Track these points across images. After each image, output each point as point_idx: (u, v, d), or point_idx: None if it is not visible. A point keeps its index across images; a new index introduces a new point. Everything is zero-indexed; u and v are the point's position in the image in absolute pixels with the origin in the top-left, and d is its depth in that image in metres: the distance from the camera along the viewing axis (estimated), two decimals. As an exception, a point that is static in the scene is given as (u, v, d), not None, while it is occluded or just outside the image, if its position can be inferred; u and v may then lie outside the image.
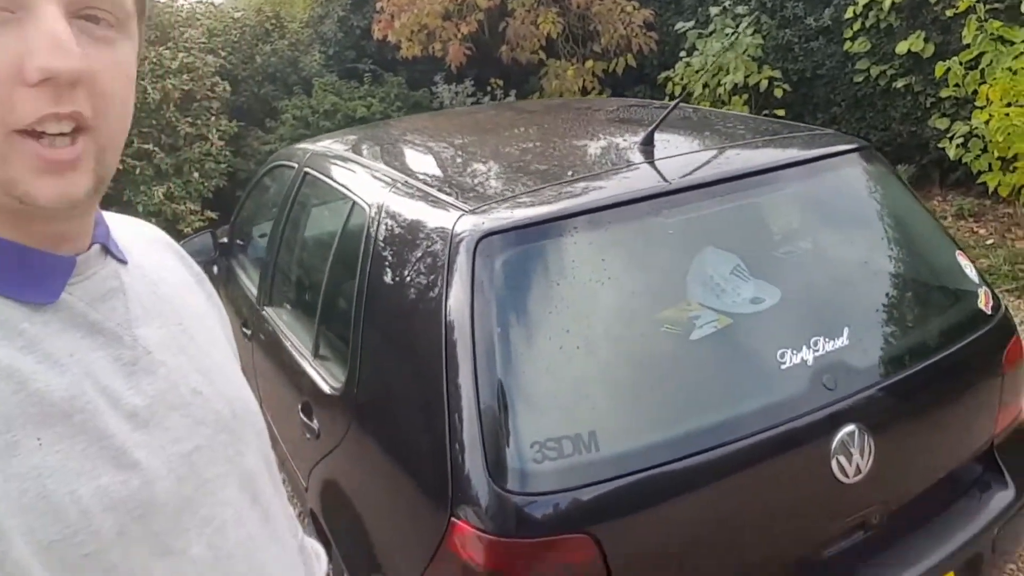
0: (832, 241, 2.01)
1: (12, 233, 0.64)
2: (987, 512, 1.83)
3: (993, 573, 1.92)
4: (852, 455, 1.60)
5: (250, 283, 3.09)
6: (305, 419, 2.25)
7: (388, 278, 1.90)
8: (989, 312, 1.90)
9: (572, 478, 1.45)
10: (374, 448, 1.86)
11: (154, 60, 5.82)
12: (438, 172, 2.18)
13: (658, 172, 1.92)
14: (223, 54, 6.58)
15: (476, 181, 2.03)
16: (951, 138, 4.43)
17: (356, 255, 2.04)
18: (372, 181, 2.16)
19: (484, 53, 6.18)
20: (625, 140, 2.24)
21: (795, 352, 1.63)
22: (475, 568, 1.47)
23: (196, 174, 6.57)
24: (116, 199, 6.38)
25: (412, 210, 1.88)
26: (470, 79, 6.56)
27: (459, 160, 2.28)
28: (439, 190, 1.91)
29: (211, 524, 0.72)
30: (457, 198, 1.84)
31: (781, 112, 5.56)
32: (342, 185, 2.31)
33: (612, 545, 1.46)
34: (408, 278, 1.80)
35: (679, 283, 1.79)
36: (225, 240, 3.53)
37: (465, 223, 1.68)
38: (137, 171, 6.35)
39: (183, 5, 6.63)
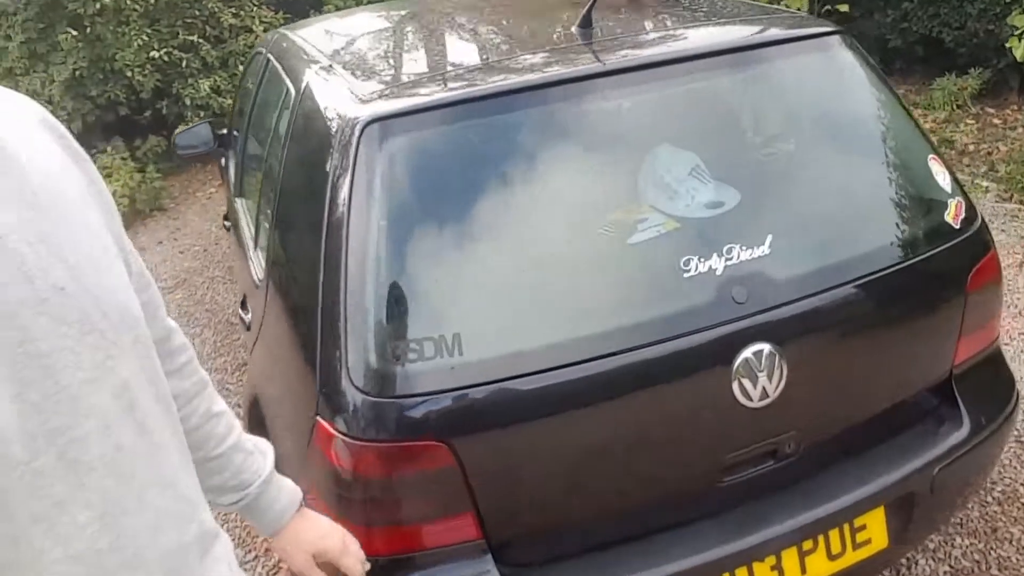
0: (792, 138, 1.79)
1: None
2: (929, 450, 1.66)
3: (937, 517, 1.76)
4: (757, 377, 1.45)
5: (232, 175, 3.06)
6: (241, 312, 2.22)
7: (297, 165, 1.81)
8: (957, 226, 1.67)
9: (429, 382, 1.36)
10: (274, 340, 1.81)
11: (192, -52, 5.74)
12: (365, 57, 2.04)
13: (594, 54, 1.74)
14: (264, -58, 6.43)
15: (394, 66, 1.89)
16: (1021, 36, 3.92)
17: (282, 142, 1.96)
18: (304, 66, 2.04)
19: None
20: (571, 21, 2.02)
21: (702, 261, 1.47)
22: (335, 468, 1.42)
23: (241, 67, 6.53)
24: (166, 91, 6.45)
25: (323, 95, 1.77)
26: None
27: (392, 44, 2.12)
28: (353, 74, 1.78)
29: (65, 435, 0.67)
30: (365, 82, 1.71)
31: (844, 8, 5.09)
32: (284, 70, 2.20)
33: (471, 457, 1.37)
34: (310, 165, 1.70)
35: (628, 183, 1.63)
36: (224, 132, 3.49)
37: (358, 109, 1.56)
38: (184, 63, 6.37)
39: None
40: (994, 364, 1.83)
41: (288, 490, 1.16)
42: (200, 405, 1.02)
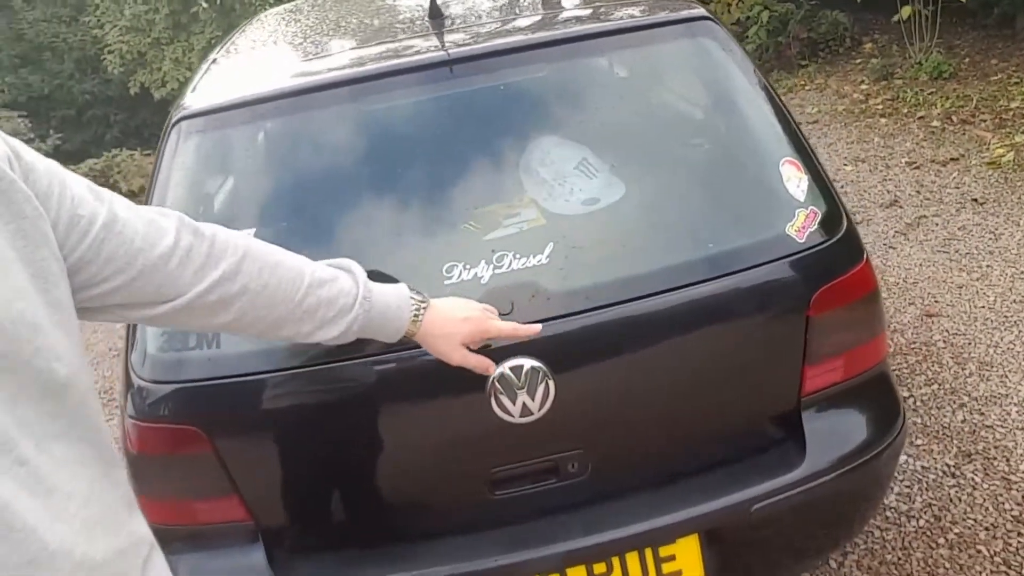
0: (632, 134, 1.67)
1: None
2: (750, 486, 1.52)
3: (764, 558, 1.61)
4: (516, 394, 1.39)
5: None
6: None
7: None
8: (801, 239, 1.50)
9: (190, 371, 1.43)
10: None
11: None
12: (245, 47, 2.10)
13: (440, 42, 1.70)
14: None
15: (258, 58, 1.94)
16: None
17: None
18: (212, 58, 2.13)
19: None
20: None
21: (468, 267, 1.42)
22: (124, 444, 1.53)
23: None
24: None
25: (186, 87, 1.85)
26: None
27: (276, 36, 2.16)
28: (219, 65, 1.86)
29: None
30: (210, 77, 1.78)
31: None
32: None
33: (226, 444, 1.43)
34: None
35: (506, 178, 1.62)
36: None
37: (183, 103, 1.63)
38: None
39: None
40: (867, 396, 1.63)
41: (393, 293, 1.16)
42: (249, 276, 1.00)
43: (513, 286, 1.42)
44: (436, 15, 1.76)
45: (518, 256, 1.43)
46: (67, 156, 6.67)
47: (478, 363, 1.27)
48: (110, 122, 7.31)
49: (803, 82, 6.82)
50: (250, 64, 1.91)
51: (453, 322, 1.21)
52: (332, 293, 1.06)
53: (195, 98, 1.64)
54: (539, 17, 1.83)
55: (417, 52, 1.72)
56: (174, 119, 1.58)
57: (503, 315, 1.40)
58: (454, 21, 1.79)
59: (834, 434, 1.57)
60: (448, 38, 1.73)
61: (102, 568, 0.77)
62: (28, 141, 6.32)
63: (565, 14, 1.85)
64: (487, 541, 1.50)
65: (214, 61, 1.93)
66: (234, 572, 1.52)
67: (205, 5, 6.58)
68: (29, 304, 0.72)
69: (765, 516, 1.51)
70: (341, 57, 1.79)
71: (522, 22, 1.80)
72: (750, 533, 1.54)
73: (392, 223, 1.56)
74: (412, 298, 1.18)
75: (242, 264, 0.99)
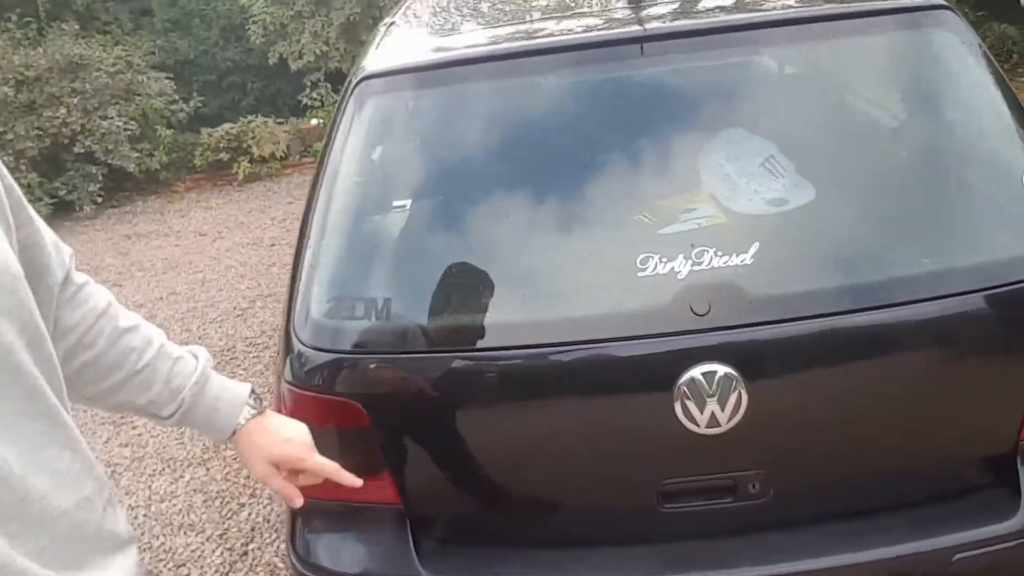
0: (862, 130, 1.53)
1: None
2: (955, 531, 1.35)
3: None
4: (705, 402, 1.27)
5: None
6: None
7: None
8: (1044, 264, 1.31)
9: (358, 342, 1.37)
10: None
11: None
12: (425, 19, 2.02)
13: (636, 19, 1.59)
14: None
15: (439, 26, 1.86)
16: None
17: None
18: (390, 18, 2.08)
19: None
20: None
21: (664, 261, 1.30)
22: (277, 407, 1.49)
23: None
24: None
25: (366, 49, 1.80)
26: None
27: (459, 8, 2.08)
28: (401, 30, 1.80)
29: None
30: (392, 39, 1.72)
31: None
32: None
33: (385, 422, 1.37)
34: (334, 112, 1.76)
35: (686, 169, 1.52)
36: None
37: (364, 64, 1.58)
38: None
39: None
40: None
41: (232, 389, 1.06)
42: (105, 326, 0.98)
43: (712, 285, 1.29)
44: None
45: (720, 254, 1.30)
46: (205, 119, 6.90)
47: (281, 487, 1.08)
48: (247, 90, 7.51)
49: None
50: (429, 29, 1.84)
51: (275, 437, 1.07)
52: (173, 369, 1.01)
53: (377, 60, 1.58)
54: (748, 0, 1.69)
55: (608, 27, 1.61)
56: (356, 80, 1.52)
57: (699, 315, 1.27)
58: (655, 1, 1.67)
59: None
60: (645, 15, 1.61)
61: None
62: (172, 102, 6.56)
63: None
64: (649, 556, 1.39)
65: (392, 24, 1.87)
66: (379, 554, 1.45)
67: (353, -19, 6.66)
68: (9, 255, 0.75)
69: (969, 568, 1.34)
70: (524, 27, 1.70)
71: (728, 4, 1.66)
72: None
73: (567, 205, 1.46)
74: (250, 400, 1.07)
75: (105, 314, 0.98)
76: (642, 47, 1.51)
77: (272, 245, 4.90)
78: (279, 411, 1.46)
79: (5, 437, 0.71)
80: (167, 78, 6.60)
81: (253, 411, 1.07)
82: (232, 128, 6.37)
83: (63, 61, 5.91)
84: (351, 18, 6.88)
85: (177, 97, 6.59)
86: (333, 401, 1.38)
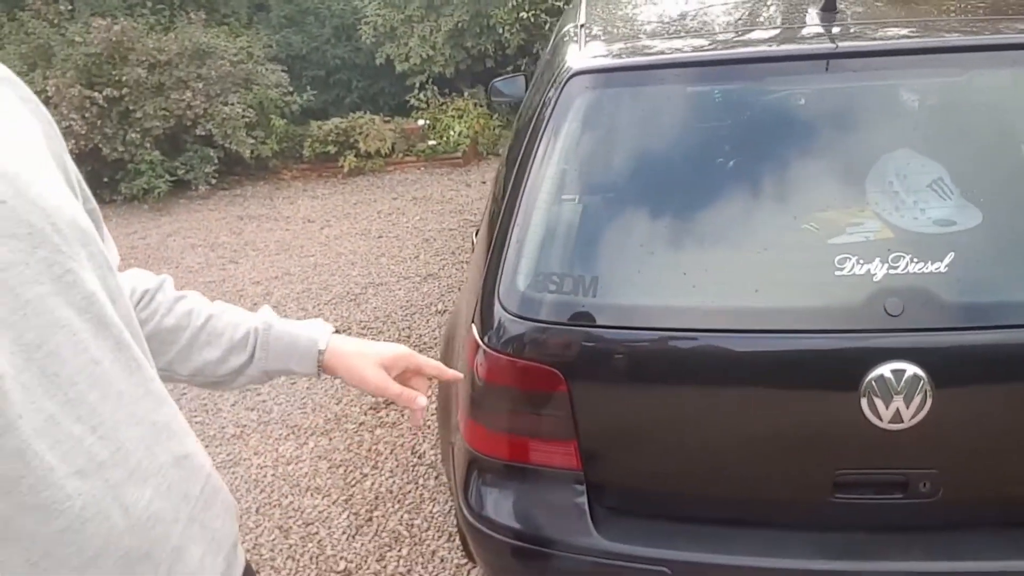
0: None
1: None
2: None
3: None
4: (892, 398, 1.35)
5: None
6: (474, 237, 2.50)
7: (527, 110, 2.00)
8: None
9: (562, 314, 1.49)
10: (471, 263, 2.04)
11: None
12: (617, 16, 2.15)
13: (828, 35, 1.68)
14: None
15: (633, 28, 1.98)
16: None
17: (531, 91, 2.17)
18: (568, 21, 2.21)
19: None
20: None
21: (861, 262, 1.39)
22: (471, 372, 1.61)
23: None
24: (528, 49, 7.06)
25: (560, 49, 1.93)
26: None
27: (646, 8, 2.19)
28: (593, 31, 1.92)
29: (41, 349, 0.66)
30: (597, 39, 1.84)
31: None
32: (559, 26, 2.39)
33: (582, 393, 1.48)
34: (531, 110, 1.89)
35: (855, 183, 1.61)
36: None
37: (572, 61, 1.70)
38: (547, 26, 6.92)
39: None
40: None
41: (304, 322, 1.04)
42: (160, 298, 0.99)
43: (906, 288, 1.37)
44: (830, 8, 1.73)
45: (915, 260, 1.38)
46: (311, 112, 7.19)
47: (400, 391, 1.02)
48: (351, 87, 7.77)
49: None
50: (622, 32, 1.96)
51: (369, 343, 1.04)
52: (237, 317, 1.01)
53: (583, 58, 1.70)
54: (943, 19, 1.77)
55: (798, 41, 1.71)
56: (566, 75, 1.64)
57: (892, 316, 1.36)
58: (848, 17, 1.76)
59: None
60: (836, 31, 1.70)
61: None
62: (287, 94, 6.86)
63: (977, 21, 1.77)
64: (816, 542, 1.47)
65: (583, 26, 2.00)
66: (555, 516, 1.56)
67: (461, -12, 6.86)
68: (80, 212, 0.74)
69: None
70: (715, 35, 1.80)
71: (921, 23, 1.74)
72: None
73: (753, 203, 1.56)
74: (323, 323, 1.06)
75: (160, 288, 1.00)
76: (828, 63, 1.61)
77: (379, 237, 5.09)
78: (475, 373, 1.59)
79: (98, 387, 0.70)
80: (282, 70, 6.90)
81: (332, 329, 1.05)
82: (341, 123, 6.61)
83: (192, 48, 6.24)
84: (459, 24, 7.08)
85: (291, 89, 6.88)
86: (536, 368, 1.50)
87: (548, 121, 1.62)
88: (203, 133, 6.13)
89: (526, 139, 1.69)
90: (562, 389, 1.48)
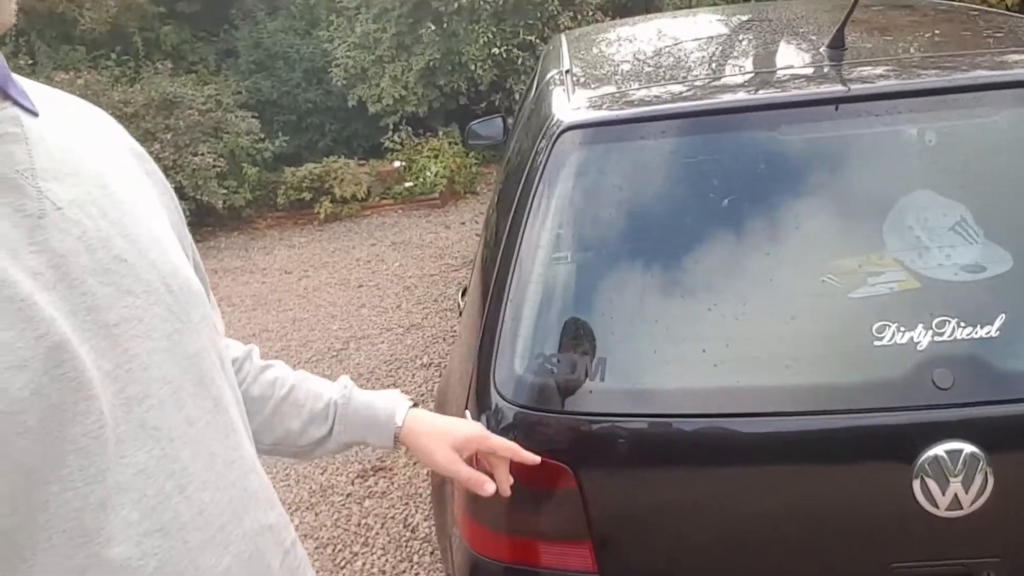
0: None
1: None
2: None
3: None
4: (949, 482, 1.19)
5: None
6: (459, 298, 2.34)
7: (512, 163, 1.86)
8: None
9: (567, 402, 1.32)
10: (461, 329, 1.87)
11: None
12: (606, 64, 2.02)
13: (840, 78, 1.55)
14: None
15: (626, 75, 1.84)
16: None
17: (512, 141, 2.02)
18: (550, 68, 2.07)
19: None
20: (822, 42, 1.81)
21: (901, 330, 1.24)
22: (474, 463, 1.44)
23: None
24: (500, 85, 6.97)
25: (545, 98, 1.79)
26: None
27: (639, 53, 2.06)
28: (581, 80, 1.78)
29: (143, 403, 0.67)
30: (586, 89, 1.70)
31: None
32: (539, 71, 2.26)
33: (594, 488, 1.31)
34: (517, 165, 1.74)
35: (870, 228, 1.47)
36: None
37: (563, 114, 1.55)
38: (519, 61, 6.85)
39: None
40: None
41: (381, 392, 1.06)
42: (249, 367, 1.00)
43: (955, 357, 1.22)
44: (838, 45, 1.60)
45: (963, 324, 1.23)
46: (283, 158, 7.03)
47: (470, 474, 1.05)
48: (324, 130, 7.65)
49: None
50: (610, 78, 1.82)
51: (445, 420, 1.08)
52: (319, 388, 1.03)
53: (577, 109, 1.55)
54: (961, 54, 1.64)
55: (805, 83, 1.58)
56: (557, 130, 1.50)
57: (942, 389, 1.21)
58: (857, 54, 1.63)
59: None
60: (845, 71, 1.57)
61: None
62: (259, 140, 6.70)
63: (994, 55, 1.65)
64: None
65: (568, 72, 1.85)
66: (571, 627, 1.38)
67: (432, 27, 6.78)
68: (191, 274, 0.78)
69: None
70: (713, 79, 1.67)
71: (935, 59, 1.62)
72: None
73: (766, 263, 1.41)
74: (402, 395, 1.08)
75: (249, 357, 1.02)
76: (838, 107, 1.47)
77: (359, 286, 4.92)
78: (474, 466, 1.42)
79: (192, 446, 0.71)
80: (253, 116, 6.76)
81: (410, 402, 1.07)
82: (315, 168, 6.47)
83: (159, 98, 6.09)
84: (430, 63, 6.99)
85: (263, 135, 6.73)
86: (541, 463, 1.33)
87: (539, 180, 1.47)
88: (174, 185, 5.93)
89: (516, 199, 1.54)
90: (572, 485, 1.31)
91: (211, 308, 0.83)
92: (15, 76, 0.69)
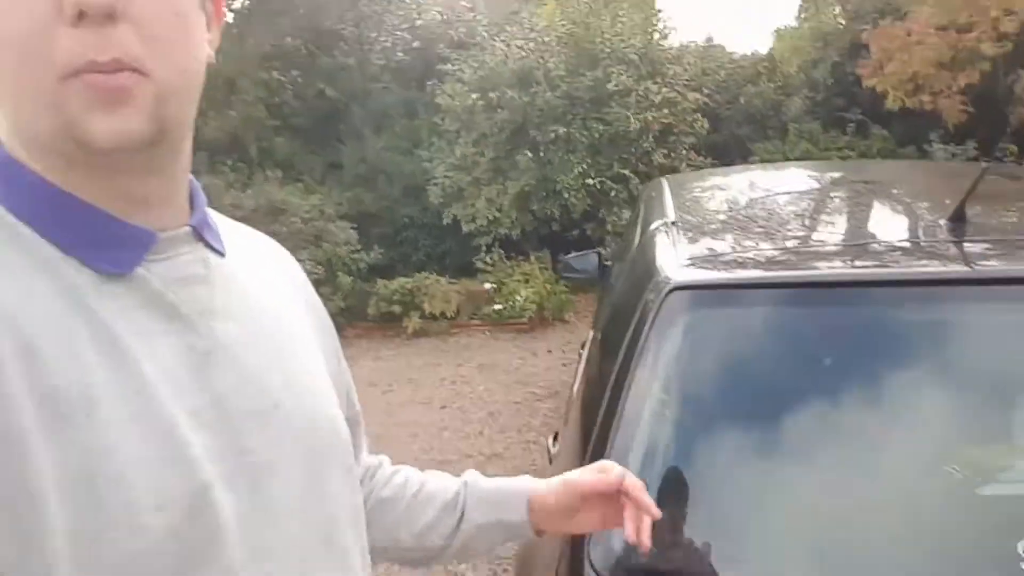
0: None
1: (90, 193, 0.62)
2: None
3: None
4: None
5: (598, 307, 3.21)
6: (549, 442, 2.29)
7: (613, 314, 1.84)
8: None
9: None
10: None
11: (641, 93, 6.32)
12: (711, 218, 2.01)
13: (964, 257, 1.50)
14: (706, 92, 6.81)
15: (734, 232, 1.82)
16: None
17: (614, 289, 2.01)
18: (654, 216, 2.08)
19: (991, 110, 5.28)
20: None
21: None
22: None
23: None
24: (593, 215, 7.09)
25: (649, 250, 1.78)
26: (973, 141, 5.67)
27: (746, 209, 2.05)
28: (687, 234, 1.77)
29: (272, 557, 0.66)
30: (693, 244, 1.69)
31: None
32: (641, 217, 2.27)
33: None
34: (619, 318, 1.72)
35: (1001, 418, 1.39)
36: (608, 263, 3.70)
37: (671, 271, 1.54)
38: (613, 193, 6.98)
39: (675, 44, 7.04)
40: None
41: (503, 478, 1.03)
42: (381, 475, 1.00)
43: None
44: (959, 218, 1.55)
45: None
46: (376, 270, 7.24)
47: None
48: (418, 245, 7.88)
49: None
50: (718, 235, 1.81)
51: (570, 473, 0.99)
52: (447, 481, 1.02)
53: (682, 269, 1.53)
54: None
55: (928, 261, 1.52)
56: (666, 287, 1.47)
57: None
58: (981, 230, 1.58)
59: None
60: (968, 249, 1.52)
61: None
62: (355, 251, 6.95)
63: None
64: None
65: (673, 223, 1.85)
66: None
67: (529, 155, 7.01)
68: (341, 421, 0.78)
69: None
70: (837, 244, 1.63)
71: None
72: None
73: (895, 458, 1.32)
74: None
75: (380, 468, 1.02)
76: (960, 289, 1.42)
77: (443, 407, 4.90)
78: None
79: None
80: (352, 227, 7.03)
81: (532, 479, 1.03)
82: (407, 282, 6.62)
83: (267, 205, 6.42)
84: (525, 188, 7.19)
85: (359, 246, 6.97)
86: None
87: (647, 336, 1.43)
88: (272, 290, 6.17)
89: (619, 360, 1.50)
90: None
91: (359, 448, 0.87)
92: (209, 212, 0.73)
